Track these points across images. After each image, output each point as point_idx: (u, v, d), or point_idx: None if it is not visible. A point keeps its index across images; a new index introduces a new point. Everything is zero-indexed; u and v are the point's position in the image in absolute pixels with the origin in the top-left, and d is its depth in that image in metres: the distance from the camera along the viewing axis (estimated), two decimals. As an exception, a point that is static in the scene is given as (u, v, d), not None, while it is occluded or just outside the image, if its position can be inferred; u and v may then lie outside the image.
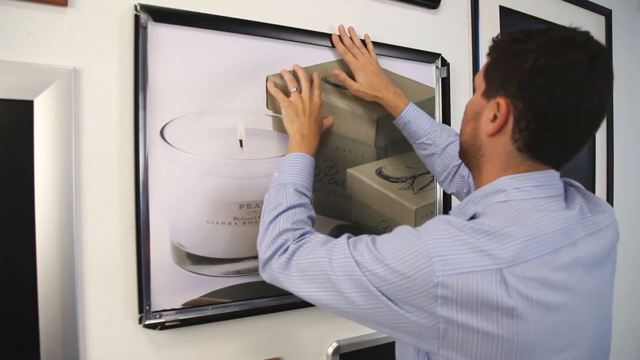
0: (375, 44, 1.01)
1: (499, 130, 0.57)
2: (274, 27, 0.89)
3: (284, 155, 0.79)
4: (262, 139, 0.88)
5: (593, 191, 1.54)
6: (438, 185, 1.11)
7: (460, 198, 0.94)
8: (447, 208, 1.11)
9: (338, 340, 0.98)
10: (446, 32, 1.16)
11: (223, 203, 0.83)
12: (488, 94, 0.59)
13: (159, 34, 0.78)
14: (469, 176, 0.89)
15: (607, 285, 0.60)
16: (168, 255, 0.79)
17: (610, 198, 1.58)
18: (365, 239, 0.58)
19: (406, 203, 1.05)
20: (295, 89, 0.86)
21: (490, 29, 1.24)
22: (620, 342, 1.65)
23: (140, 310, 0.76)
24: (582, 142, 0.57)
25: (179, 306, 0.80)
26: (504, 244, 0.50)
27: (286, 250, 0.65)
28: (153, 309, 0.77)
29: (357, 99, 0.98)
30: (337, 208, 0.97)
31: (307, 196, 0.74)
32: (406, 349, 0.60)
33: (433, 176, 1.10)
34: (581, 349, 0.54)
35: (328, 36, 0.95)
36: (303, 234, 0.66)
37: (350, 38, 0.96)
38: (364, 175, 0.99)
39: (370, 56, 0.96)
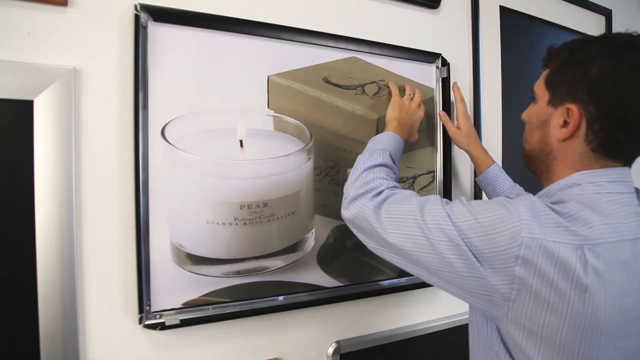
0: (375, 44, 1.01)
1: (572, 135, 0.61)
2: (274, 27, 0.89)
3: (394, 134, 0.86)
4: (262, 139, 0.88)
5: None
6: (438, 186, 1.11)
7: None
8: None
9: (338, 341, 0.98)
10: (446, 32, 1.16)
11: (223, 203, 0.83)
12: (555, 102, 0.63)
13: (159, 33, 0.78)
14: None
15: None
16: (168, 256, 0.79)
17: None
18: (459, 198, 0.63)
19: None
20: (410, 94, 0.99)
21: (490, 29, 1.24)
22: None
23: (140, 311, 0.76)
24: None
25: (178, 306, 0.80)
26: (587, 224, 0.53)
27: (380, 193, 0.68)
28: (153, 309, 0.77)
29: (358, 99, 0.98)
30: (338, 208, 0.96)
31: (396, 165, 0.80)
32: (478, 323, 0.63)
33: (433, 176, 1.10)
34: None
35: (328, 36, 0.95)
36: (395, 186, 0.71)
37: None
38: (364, 176, 0.99)
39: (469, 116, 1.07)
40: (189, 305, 0.81)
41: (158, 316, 0.78)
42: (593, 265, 0.51)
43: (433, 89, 1.10)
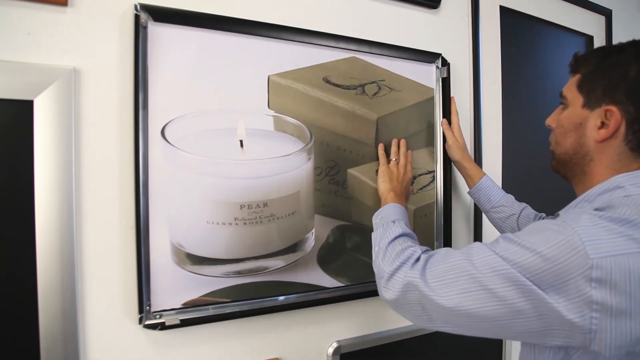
0: (375, 44, 1.01)
1: (612, 135, 0.63)
2: (274, 27, 0.89)
3: (395, 204, 0.85)
4: (262, 139, 0.88)
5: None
6: (438, 186, 1.11)
7: None
8: (447, 208, 1.11)
9: (338, 340, 0.98)
10: (446, 32, 1.16)
11: (223, 203, 0.83)
12: (590, 105, 0.65)
13: (159, 33, 0.78)
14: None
15: None
16: (168, 256, 0.79)
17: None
18: (502, 237, 0.60)
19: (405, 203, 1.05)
20: (395, 159, 1.00)
21: (490, 29, 1.24)
22: None
23: (140, 311, 0.76)
24: None
25: (178, 306, 0.80)
26: None
27: (418, 259, 0.65)
28: (153, 309, 0.77)
29: (358, 99, 0.98)
30: (338, 208, 0.97)
31: (409, 232, 0.78)
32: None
33: (433, 176, 1.10)
34: None
35: (328, 36, 0.95)
36: (427, 249, 0.69)
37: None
38: (365, 176, 0.99)
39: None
40: (189, 306, 0.81)
41: (158, 316, 0.78)
42: None
43: (433, 89, 1.10)
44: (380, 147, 1.01)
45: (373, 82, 1.01)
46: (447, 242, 1.12)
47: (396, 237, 0.73)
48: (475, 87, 1.20)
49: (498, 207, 1.01)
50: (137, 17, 0.75)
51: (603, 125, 0.63)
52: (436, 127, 1.11)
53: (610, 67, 0.63)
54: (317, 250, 0.95)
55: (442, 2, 1.13)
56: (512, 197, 1.03)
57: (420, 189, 1.08)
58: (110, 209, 0.75)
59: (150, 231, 0.77)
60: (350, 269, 0.98)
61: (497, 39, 1.25)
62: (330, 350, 0.97)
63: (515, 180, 1.24)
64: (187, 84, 0.80)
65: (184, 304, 0.80)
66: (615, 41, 1.55)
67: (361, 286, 1.00)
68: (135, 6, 0.75)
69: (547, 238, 0.54)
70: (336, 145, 0.97)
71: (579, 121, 0.67)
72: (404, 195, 0.94)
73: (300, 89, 0.92)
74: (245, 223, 0.85)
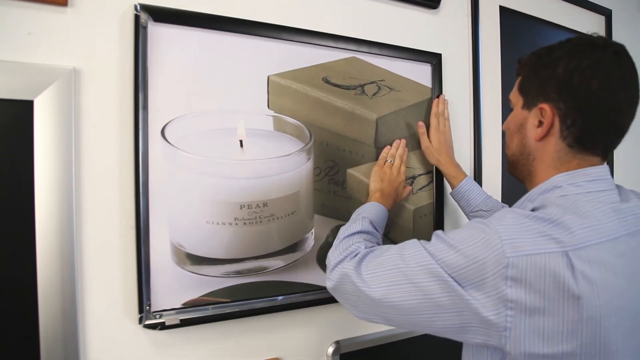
0: (375, 44, 1.01)
1: (547, 132, 0.64)
2: (274, 27, 0.89)
3: (377, 203, 0.86)
4: (262, 139, 0.88)
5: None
6: (437, 186, 1.11)
7: None
8: (439, 209, 1.11)
9: (338, 341, 0.98)
10: (446, 32, 1.16)
11: (223, 203, 0.83)
12: (528, 105, 0.67)
13: (159, 34, 0.78)
14: None
15: None
16: (168, 256, 0.79)
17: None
18: (435, 234, 0.62)
19: (405, 203, 1.05)
20: (390, 160, 1.00)
21: (490, 29, 1.24)
22: None
23: (140, 310, 0.76)
24: (626, 126, 0.62)
25: (178, 306, 0.80)
26: (568, 229, 0.53)
27: (357, 254, 0.68)
28: (153, 309, 0.77)
29: (358, 99, 0.98)
30: (337, 208, 0.97)
31: (378, 232, 0.80)
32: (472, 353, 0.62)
33: (432, 177, 1.10)
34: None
35: (328, 36, 0.95)
36: (373, 246, 0.71)
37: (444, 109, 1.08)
38: (364, 176, 0.99)
39: (448, 130, 1.08)
40: (189, 305, 0.81)
41: (158, 316, 0.78)
42: (580, 270, 0.51)
43: (432, 89, 1.10)
44: (385, 149, 1.02)
45: (373, 82, 1.01)
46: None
47: (353, 233, 0.75)
48: (475, 87, 1.20)
49: (476, 211, 1.01)
50: (137, 17, 0.75)
51: (540, 124, 0.64)
52: (436, 127, 1.11)
53: (543, 66, 0.64)
54: (317, 250, 0.95)
55: (442, 2, 1.13)
56: (496, 200, 1.02)
57: (420, 189, 1.08)
58: (110, 209, 0.75)
59: (150, 231, 0.77)
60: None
61: (497, 39, 1.25)
62: (330, 350, 0.97)
63: (516, 180, 1.24)
64: (187, 84, 0.80)
65: (183, 304, 0.80)
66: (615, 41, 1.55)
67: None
68: (135, 6, 0.75)
69: (470, 236, 0.56)
70: (336, 145, 0.97)
71: (520, 122, 0.68)
72: (393, 196, 0.94)
73: (300, 89, 0.92)
74: (245, 223, 0.85)
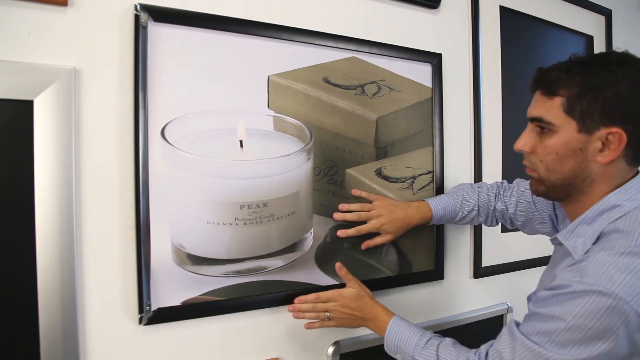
0: (375, 44, 1.01)
1: (618, 156, 0.63)
2: (274, 27, 0.89)
3: (386, 333, 0.81)
4: (262, 139, 0.88)
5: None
6: (437, 186, 1.11)
7: (507, 225, 1.02)
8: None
9: (338, 341, 0.98)
10: (446, 32, 1.16)
11: (223, 203, 0.83)
12: (587, 129, 0.64)
13: (159, 33, 0.78)
14: (506, 210, 0.98)
15: None
16: (168, 256, 0.79)
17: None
18: (547, 341, 0.60)
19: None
20: (327, 314, 0.86)
21: (490, 29, 1.24)
22: None
23: (140, 310, 0.76)
24: None
25: (178, 305, 0.80)
26: None
27: None
28: (153, 308, 0.77)
29: (358, 99, 0.98)
30: (336, 208, 0.97)
31: (429, 339, 0.76)
32: None
33: (432, 177, 1.10)
34: None
35: (328, 36, 0.95)
36: (483, 356, 0.68)
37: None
38: (363, 176, 0.99)
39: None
40: (189, 305, 0.81)
41: (158, 316, 0.78)
42: None
43: (432, 88, 1.10)
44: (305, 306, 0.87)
45: (373, 82, 1.01)
46: (442, 243, 1.12)
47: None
48: (475, 87, 1.20)
49: (457, 220, 1.00)
50: (137, 17, 0.75)
51: (604, 147, 0.64)
52: (434, 127, 1.11)
53: (599, 88, 0.62)
54: (315, 249, 0.95)
55: (442, 2, 1.12)
56: (463, 189, 1.01)
57: (420, 189, 1.08)
58: (110, 209, 0.75)
59: (150, 231, 0.77)
60: (348, 268, 0.98)
61: (497, 39, 1.25)
62: (330, 350, 0.97)
63: (514, 176, 1.24)
64: (187, 84, 0.80)
65: (183, 303, 0.80)
66: (615, 41, 1.55)
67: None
68: (135, 6, 0.75)
69: (594, 320, 0.56)
70: (335, 145, 0.97)
71: (578, 147, 0.65)
72: (369, 305, 0.85)
73: (300, 89, 0.92)
74: (245, 223, 0.85)
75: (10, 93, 0.66)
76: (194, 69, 0.81)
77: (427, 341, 0.76)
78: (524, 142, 0.71)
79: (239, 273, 0.86)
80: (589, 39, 1.52)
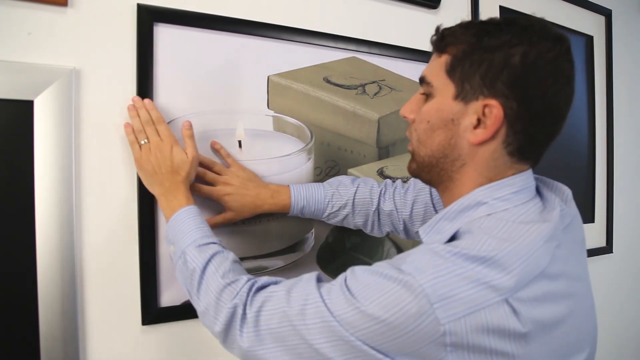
0: (375, 44, 1.01)
1: (491, 137, 0.51)
2: (275, 27, 0.89)
3: (173, 216, 0.66)
4: (262, 139, 0.88)
5: (593, 193, 1.54)
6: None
7: (399, 234, 0.86)
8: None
9: (338, 341, 0.98)
10: (446, 32, 1.16)
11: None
12: (465, 96, 0.52)
13: (160, 34, 0.78)
14: (397, 212, 0.83)
15: (586, 266, 0.58)
16: (168, 255, 0.79)
17: (610, 200, 1.58)
18: (338, 287, 0.49)
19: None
20: (144, 141, 0.70)
21: (491, 29, 1.24)
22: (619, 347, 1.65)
23: (141, 310, 0.76)
24: (560, 132, 0.54)
25: (179, 305, 0.80)
26: (503, 269, 0.45)
27: (244, 317, 0.53)
28: (154, 308, 0.77)
29: (359, 99, 0.98)
30: (338, 208, 0.97)
31: (212, 243, 0.63)
32: None
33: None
34: (587, 344, 0.53)
35: (328, 36, 0.95)
36: (248, 290, 0.55)
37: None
38: (365, 176, 0.99)
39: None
40: (190, 305, 0.80)
41: (159, 315, 0.78)
42: (525, 313, 0.45)
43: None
44: (127, 127, 0.71)
45: (374, 82, 1.01)
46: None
47: (200, 279, 0.59)
48: (476, 87, 1.20)
49: (326, 215, 0.84)
50: (137, 17, 0.75)
51: (479, 122, 0.51)
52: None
53: (489, 50, 0.50)
54: (317, 250, 0.95)
55: (442, 2, 1.13)
56: (337, 182, 0.84)
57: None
58: (111, 209, 0.75)
59: (150, 231, 0.77)
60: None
61: (497, 39, 1.25)
62: (331, 351, 0.97)
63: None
64: (186, 84, 0.80)
65: (184, 302, 0.80)
66: (615, 41, 1.55)
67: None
68: (136, 6, 0.75)
69: (391, 298, 0.44)
70: (337, 145, 0.97)
71: (450, 117, 0.53)
72: (183, 185, 0.69)
73: (301, 89, 0.92)
74: (244, 223, 0.85)
75: (10, 93, 0.66)
76: (194, 69, 0.81)
77: (209, 244, 0.62)
78: (409, 107, 0.59)
79: (239, 273, 0.85)
80: (589, 39, 1.52)
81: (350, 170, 0.98)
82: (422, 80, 0.57)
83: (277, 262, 0.89)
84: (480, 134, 0.51)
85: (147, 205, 0.76)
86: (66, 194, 0.70)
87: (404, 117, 0.61)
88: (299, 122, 0.92)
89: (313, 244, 0.94)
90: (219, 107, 0.83)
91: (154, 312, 0.77)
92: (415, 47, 1.07)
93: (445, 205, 0.58)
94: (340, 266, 0.97)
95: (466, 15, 1.19)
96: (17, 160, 0.67)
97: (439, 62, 0.54)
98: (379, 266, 0.49)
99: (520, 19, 0.52)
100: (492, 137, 0.51)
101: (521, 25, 0.51)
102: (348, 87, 0.97)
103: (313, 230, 0.94)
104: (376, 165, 1.01)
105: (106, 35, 0.74)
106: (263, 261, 0.88)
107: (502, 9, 1.26)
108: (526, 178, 0.54)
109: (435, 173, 0.57)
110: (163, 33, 0.78)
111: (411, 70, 1.06)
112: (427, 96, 0.56)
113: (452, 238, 0.52)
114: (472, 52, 0.51)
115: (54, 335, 0.69)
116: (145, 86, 0.76)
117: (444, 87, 0.54)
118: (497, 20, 0.54)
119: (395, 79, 1.04)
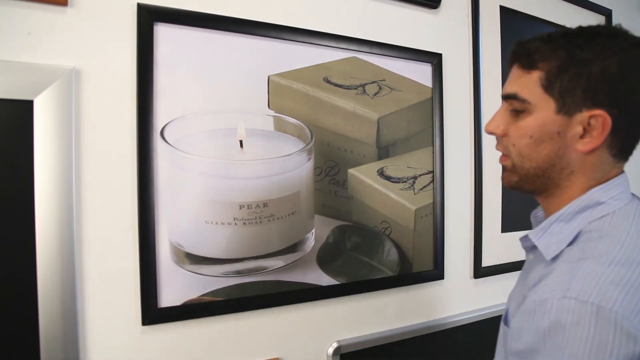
0: (375, 44, 1.01)
1: (601, 144, 0.54)
2: (275, 27, 0.89)
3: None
4: (262, 139, 0.88)
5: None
6: (437, 186, 1.11)
7: None
8: (445, 208, 1.11)
9: (338, 340, 0.98)
10: (446, 32, 1.16)
11: (222, 203, 0.83)
12: (568, 109, 0.54)
13: (160, 33, 0.78)
14: None
15: None
16: (168, 255, 0.79)
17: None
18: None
19: (407, 203, 1.05)
20: None
21: (491, 29, 1.24)
22: None
23: (141, 310, 0.76)
24: None
25: (179, 305, 0.80)
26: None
27: None
28: (153, 308, 0.77)
29: (359, 99, 0.98)
30: (338, 208, 0.97)
31: None
32: None
33: (432, 177, 1.10)
34: None
35: (328, 36, 0.95)
36: None
37: None
38: (365, 176, 0.99)
39: None
40: (189, 304, 0.81)
41: (159, 315, 0.78)
42: None
43: (432, 88, 1.10)
44: None
45: (374, 82, 1.01)
46: (442, 243, 1.12)
47: None
48: (475, 87, 1.20)
49: None
50: (137, 17, 0.75)
51: (585, 132, 0.54)
52: (434, 127, 1.11)
53: (585, 63, 0.53)
54: (317, 250, 0.95)
55: (442, 2, 1.12)
56: None
57: (421, 189, 1.08)
58: (111, 209, 0.75)
59: (150, 231, 0.77)
60: (349, 269, 0.98)
61: (497, 39, 1.25)
62: (330, 350, 0.97)
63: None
64: (187, 84, 0.80)
65: (184, 303, 0.80)
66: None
67: (361, 285, 1.00)
68: (136, 6, 0.75)
69: (601, 347, 0.45)
70: (337, 145, 0.97)
71: (555, 130, 0.56)
72: None
73: (301, 89, 0.92)
74: (244, 223, 0.85)
75: (10, 93, 0.66)
76: (194, 69, 0.81)
77: None
78: (496, 123, 0.61)
79: (239, 273, 0.85)
80: (589, 39, 1.52)
81: (350, 171, 0.98)
82: (513, 97, 0.58)
83: (277, 262, 0.89)
84: (589, 142, 0.55)
85: (145, 205, 0.76)
86: (66, 194, 0.70)
87: (491, 133, 0.63)
88: (299, 122, 0.92)
89: (313, 244, 0.94)
90: (219, 107, 0.83)
91: (153, 312, 0.77)
92: (416, 47, 1.07)
93: (550, 210, 0.61)
94: (341, 266, 0.97)
95: (466, 15, 1.19)
96: (17, 160, 0.67)
97: (531, 79, 0.56)
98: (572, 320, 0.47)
99: (599, 28, 0.56)
100: (602, 143, 0.55)
101: (606, 35, 0.54)
102: (348, 87, 0.97)
103: (313, 230, 0.94)
104: (376, 165, 1.01)
105: (106, 35, 0.74)
106: (263, 261, 0.88)
107: (502, 9, 1.26)
108: (626, 178, 0.59)
109: (540, 183, 0.60)
110: (163, 33, 0.78)
111: (411, 70, 1.06)
112: (519, 112, 0.58)
113: (574, 240, 0.55)
114: (568, 67, 0.54)
115: (54, 335, 0.69)
116: (145, 86, 0.76)
117: (543, 103, 0.56)
118: (578, 31, 0.56)
119: (395, 79, 1.04)
